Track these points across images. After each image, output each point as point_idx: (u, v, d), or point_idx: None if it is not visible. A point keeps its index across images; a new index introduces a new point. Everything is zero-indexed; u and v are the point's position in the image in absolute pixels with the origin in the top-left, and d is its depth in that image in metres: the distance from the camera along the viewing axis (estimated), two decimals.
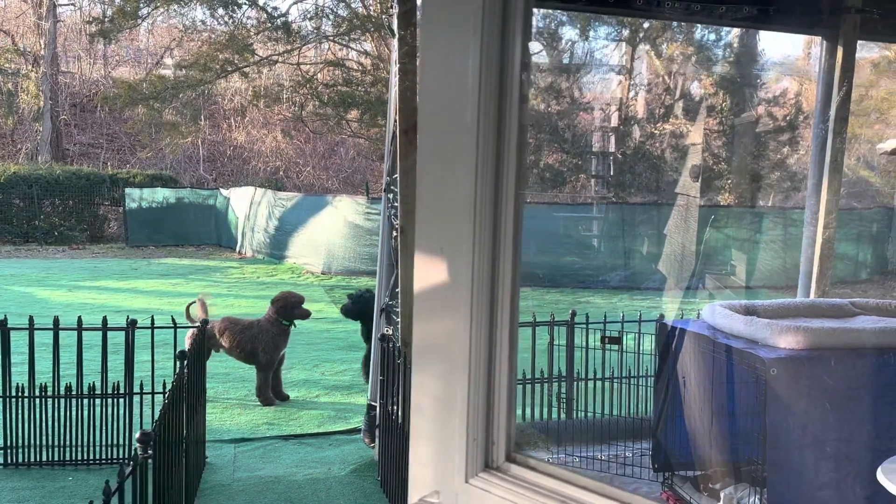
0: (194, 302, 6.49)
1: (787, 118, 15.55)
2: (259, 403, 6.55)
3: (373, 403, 5.30)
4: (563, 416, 4.97)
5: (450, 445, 1.01)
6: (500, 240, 0.98)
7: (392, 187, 5.03)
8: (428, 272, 1.03)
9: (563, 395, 4.97)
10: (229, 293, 12.72)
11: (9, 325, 4.87)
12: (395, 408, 4.34)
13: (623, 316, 4.93)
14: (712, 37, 15.86)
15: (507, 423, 1.01)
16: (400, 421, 4.20)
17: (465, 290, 0.99)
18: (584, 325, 4.93)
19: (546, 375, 4.90)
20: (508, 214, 0.98)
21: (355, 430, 5.86)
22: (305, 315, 6.61)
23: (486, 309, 1.00)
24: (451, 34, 0.96)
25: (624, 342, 4.50)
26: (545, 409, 4.94)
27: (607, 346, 4.52)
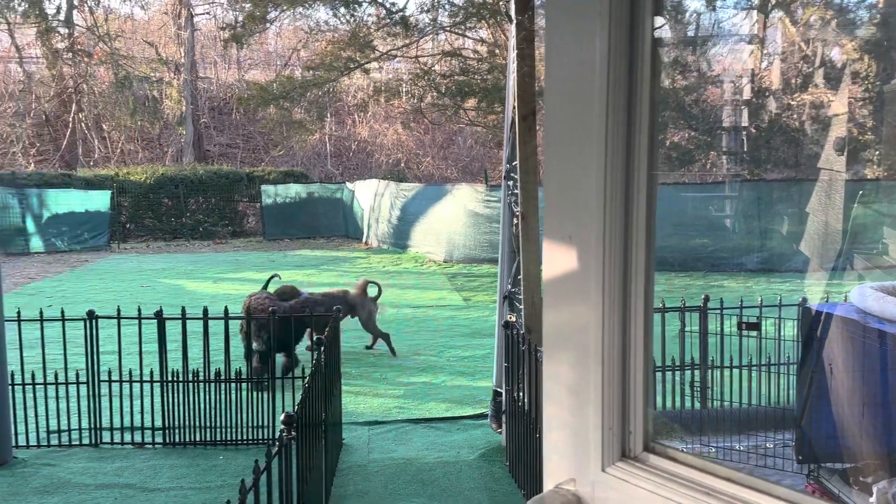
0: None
1: None
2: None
3: (498, 389, 5.34)
4: (696, 405, 4.79)
5: (584, 434, 1.00)
6: (632, 225, 0.96)
7: (512, 174, 5.01)
8: (556, 260, 1.02)
9: (696, 384, 4.78)
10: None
11: (164, 316, 5.29)
12: (521, 394, 4.34)
13: (761, 300, 4.67)
14: None
15: (644, 413, 0.98)
16: (526, 408, 4.20)
17: (595, 277, 0.97)
18: (719, 311, 4.71)
19: (678, 363, 4.73)
20: (641, 198, 0.95)
21: (482, 416, 5.93)
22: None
23: (618, 296, 0.97)
24: (577, 15, 0.94)
25: (763, 328, 4.26)
26: (678, 398, 4.78)
27: (745, 332, 4.29)
